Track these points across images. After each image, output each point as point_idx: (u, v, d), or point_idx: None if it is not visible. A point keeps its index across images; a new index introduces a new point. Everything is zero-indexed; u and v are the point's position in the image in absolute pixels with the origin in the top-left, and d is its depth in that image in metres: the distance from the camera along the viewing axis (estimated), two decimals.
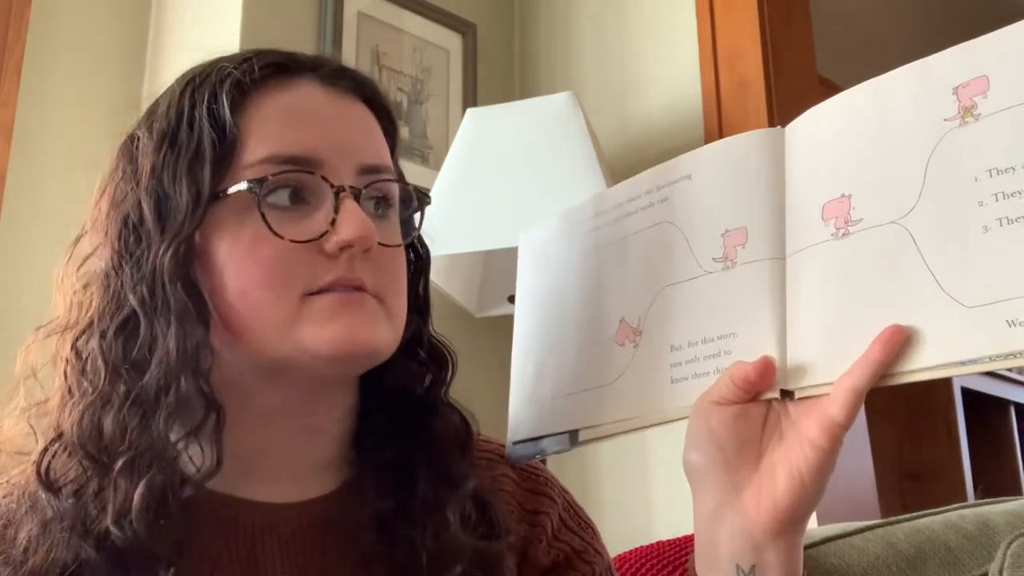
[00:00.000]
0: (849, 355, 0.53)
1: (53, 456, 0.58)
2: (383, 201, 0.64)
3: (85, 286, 0.62)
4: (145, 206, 0.59)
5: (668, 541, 0.96)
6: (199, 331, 0.57)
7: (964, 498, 2.46)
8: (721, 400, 0.57)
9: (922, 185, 0.53)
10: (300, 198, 0.60)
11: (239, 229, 0.59)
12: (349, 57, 1.73)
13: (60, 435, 0.58)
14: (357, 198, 0.60)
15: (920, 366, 0.51)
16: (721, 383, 0.57)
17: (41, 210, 1.62)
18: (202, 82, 0.62)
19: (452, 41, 1.94)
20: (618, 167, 1.70)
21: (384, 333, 0.60)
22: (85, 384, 0.58)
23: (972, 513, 1.03)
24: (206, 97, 0.61)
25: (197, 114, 0.60)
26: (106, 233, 0.61)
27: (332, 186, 0.60)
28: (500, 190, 1.45)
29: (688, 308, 0.62)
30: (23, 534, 0.55)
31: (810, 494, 0.54)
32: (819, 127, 0.60)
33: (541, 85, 2.01)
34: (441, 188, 1.49)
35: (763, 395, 0.57)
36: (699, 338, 0.61)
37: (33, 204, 1.61)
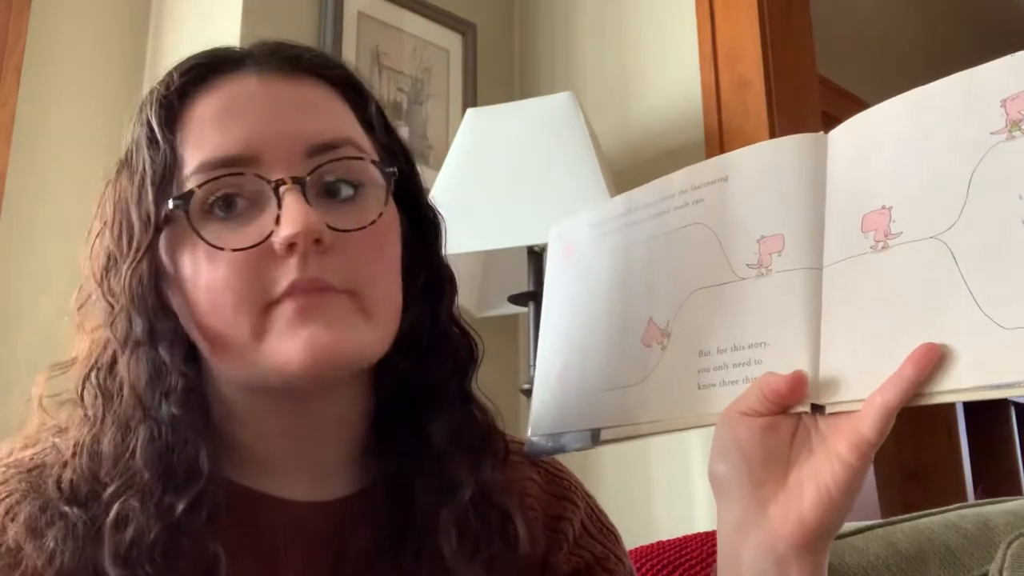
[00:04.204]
0: (882, 372, 0.51)
1: (72, 474, 0.57)
2: (346, 183, 0.59)
3: (88, 322, 0.62)
4: (111, 239, 0.59)
5: (668, 541, 0.96)
6: (164, 354, 0.57)
7: (964, 498, 2.46)
8: (750, 411, 0.55)
9: (965, 200, 0.51)
10: (242, 202, 0.56)
11: (189, 249, 0.57)
12: (349, 57, 1.73)
13: (74, 456, 0.58)
14: (303, 187, 0.56)
15: (953, 387, 0.49)
16: (751, 394, 0.55)
17: (41, 210, 1.62)
18: (146, 100, 0.60)
19: (452, 41, 1.94)
20: (618, 167, 1.70)
21: (359, 334, 0.56)
22: (91, 412, 0.59)
23: (972, 513, 1.03)
24: (144, 117, 0.59)
25: (140, 137, 0.59)
26: (92, 270, 0.61)
27: (268, 181, 0.56)
28: (500, 190, 1.45)
29: (719, 313, 0.61)
30: (49, 537, 0.54)
31: (837, 511, 0.53)
32: (861, 135, 0.58)
33: (541, 85, 2.01)
34: (441, 188, 1.49)
35: (793, 409, 0.55)
36: (729, 345, 0.60)
37: (33, 204, 1.62)
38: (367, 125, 0.63)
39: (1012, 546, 0.87)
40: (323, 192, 0.58)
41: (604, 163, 1.48)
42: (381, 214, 0.59)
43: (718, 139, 1.64)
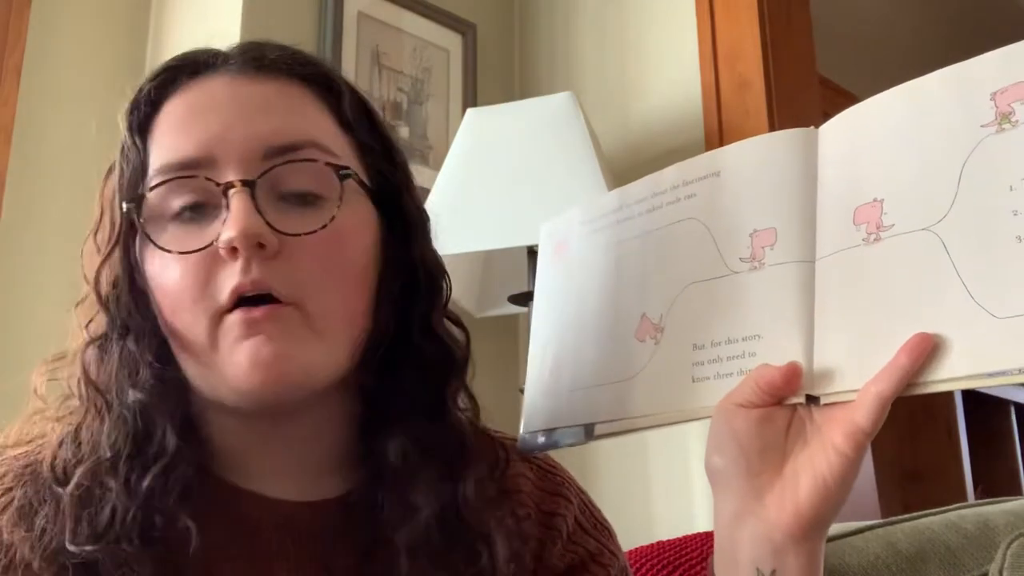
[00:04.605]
0: (876, 362, 0.52)
1: (64, 459, 0.58)
2: (311, 187, 0.58)
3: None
4: (101, 236, 0.61)
5: (668, 541, 0.96)
6: (134, 348, 0.58)
7: (964, 498, 2.46)
8: (745, 403, 0.56)
9: (956, 192, 0.52)
10: (199, 205, 0.57)
11: (149, 251, 0.58)
12: (349, 57, 1.73)
13: (59, 444, 0.59)
14: (252, 189, 0.55)
15: (947, 376, 0.50)
16: (746, 386, 0.56)
17: (41, 210, 1.62)
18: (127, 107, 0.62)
19: (452, 41, 1.94)
20: (618, 167, 1.70)
21: (308, 350, 0.56)
22: (75, 400, 0.60)
23: (972, 513, 1.03)
24: (125, 122, 0.61)
25: (122, 141, 0.60)
26: (84, 270, 0.62)
27: (218, 184, 0.56)
28: (500, 190, 1.44)
29: (712, 307, 0.61)
30: (39, 518, 0.55)
31: (833, 500, 0.54)
32: (853, 129, 0.59)
33: (541, 85, 2.01)
34: (441, 188, 1.49)
35: (788, 400, 0.56)
36: (723, 338, 0.60)
37: (33, 204, 1.62)
38: (345, 124, 0.62)
39: (1012, 546, 0.87)
40: (291, 197, 0.57)
41: (604, 163, 1.48)
42: (333, 218, 0.57)
43: (718, 139, 1.64)
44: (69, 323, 0.63)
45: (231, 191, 0.55)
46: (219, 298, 0.55)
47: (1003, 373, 0.48)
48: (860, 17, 2.93)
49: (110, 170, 0.62)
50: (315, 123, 0.60)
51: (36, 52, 1.68)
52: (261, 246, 0.55)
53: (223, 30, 1.63)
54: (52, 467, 0.57)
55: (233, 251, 0.54)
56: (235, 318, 0.55)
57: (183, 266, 0.56)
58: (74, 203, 1.62)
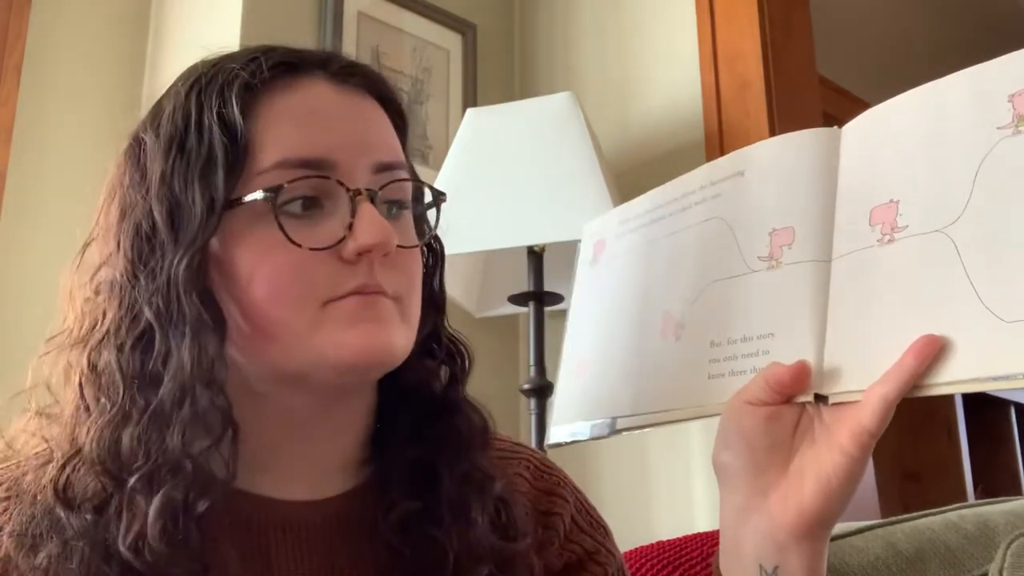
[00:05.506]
0: (884, 363, 0.52)
1: (71, 472, 0.56)
2: (399, 202, 0.63)
3: (96, 294, 0.60)
4: (157, 215, 0.58)
5: (668, 541, 0.96)
6: (214, 342, 0.56)
7: (964, 498, 2.46)
8: (754, 400, 0.57)
9: (970, 194, 0.52)
10: (314, 203, 0.58)
11: (256, 237, 0.57)
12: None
13: (78, 451, 0.56)
14: (373, 200, 0.59)
15: (953, 379, 0.50)
16: (755, 384, 0.57)
17: (41, 210, 1.62)
18: (208, 83, 0.60)
19: (452, 41, 1.94)
20: (618, 167, 1.70)
21: (400, 337, 0.60)
22: (103, 400, 0.57)
23: (972, 513, 1.03)
24: (214, 100, 0.59)
25: (206, 118, 0.58)
26: (118, 243, 0.59)
27: (348, 189, 0.58)
28: (500, 190, 1.45)
29: (731, 305, 0.62)
30: (43, 555, 0.54)
31: (837, 499, 0.54)
32: (873, 130, 0.59)
33: (541, 85, 2.01)
34: (441, 188, 1.49)
35: (797, 398, 0.56)
36: (739, 336, 0.61)
37: (33, 204, 1.62)
38: (405, 152, 0.67)
39: (1012, 546, 0.87)
40: (383, 206, 0.61)
41: (604, 163, 1.48)
42: (435, 235, 0.66)
43: (718, 140, 1.64)
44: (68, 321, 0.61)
45: (358, 198, 0.58)
46: (336, 291, 0.58)
47: (1009, 377, 0.48)
48: (860, 17, 2.93)
49: (167, 148, 0.59)
50: (400, 147, 0.65)
51: (36, 52, 1.68)
52: (385, 254, 0.59)
53: (223, 29, 1.63)
54: (55, 487, 0.55)
55: (360, 255, 0.58)
56: (349, 304, 0.58)
57: (301, 258, 0.57)
58: (74, 203, 1.62)
